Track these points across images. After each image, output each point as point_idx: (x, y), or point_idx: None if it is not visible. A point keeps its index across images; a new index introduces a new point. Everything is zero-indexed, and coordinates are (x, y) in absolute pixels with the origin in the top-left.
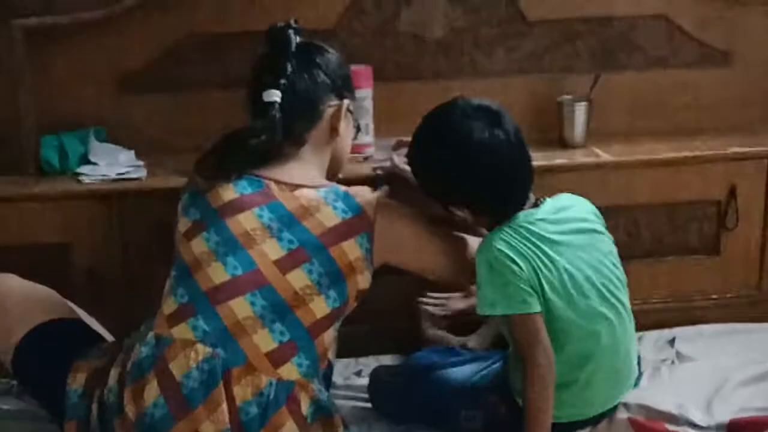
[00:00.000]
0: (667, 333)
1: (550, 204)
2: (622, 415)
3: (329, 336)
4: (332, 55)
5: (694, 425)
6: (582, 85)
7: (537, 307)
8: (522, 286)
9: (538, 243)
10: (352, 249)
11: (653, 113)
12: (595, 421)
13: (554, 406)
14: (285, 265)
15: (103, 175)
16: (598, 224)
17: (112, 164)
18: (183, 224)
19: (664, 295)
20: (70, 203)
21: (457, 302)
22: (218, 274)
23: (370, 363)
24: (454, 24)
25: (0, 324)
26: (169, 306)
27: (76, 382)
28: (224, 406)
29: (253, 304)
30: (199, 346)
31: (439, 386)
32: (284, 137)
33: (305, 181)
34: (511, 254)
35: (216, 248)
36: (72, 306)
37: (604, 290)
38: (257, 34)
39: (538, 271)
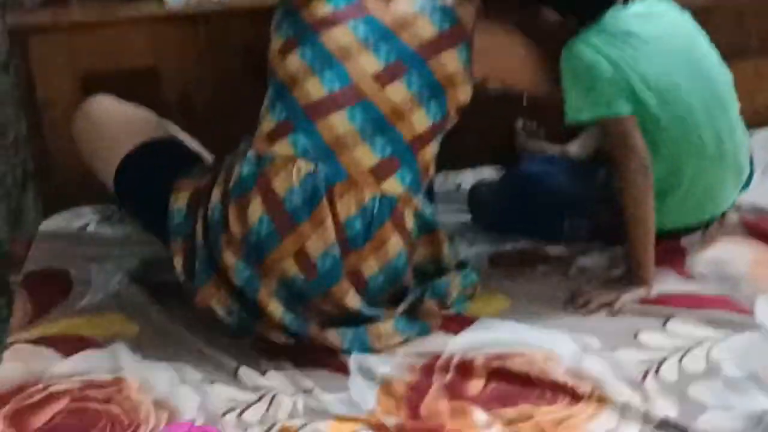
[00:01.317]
0: None
1: (641, 2)
2: (733, 215)
3: (431, 150)
4: None
5: None
6: None
7: (625, 108)
8: (607, 87)
9: (626, 38)
10: (451, 60)
11: None
12: (704, 226)
13: (657, 212)
14: (383, 78)
15: None
16: (695, 25)
17: None
18: (276, 42)
19: None
20: (155, 27)
21: None
22: (315, 88)
23: (467, 176)
24: None
25: (99, 146)
26: (267, 124)
27: (179, 201)
28: (329, 221)
29: (352, 118)
30: (301, 162)
31: (542, 196)
32: None
33: None
34: (594, 55)
35: (312, 63)
36: (170, 125)
37: (705, 89)
38: None
39: (627, 69)
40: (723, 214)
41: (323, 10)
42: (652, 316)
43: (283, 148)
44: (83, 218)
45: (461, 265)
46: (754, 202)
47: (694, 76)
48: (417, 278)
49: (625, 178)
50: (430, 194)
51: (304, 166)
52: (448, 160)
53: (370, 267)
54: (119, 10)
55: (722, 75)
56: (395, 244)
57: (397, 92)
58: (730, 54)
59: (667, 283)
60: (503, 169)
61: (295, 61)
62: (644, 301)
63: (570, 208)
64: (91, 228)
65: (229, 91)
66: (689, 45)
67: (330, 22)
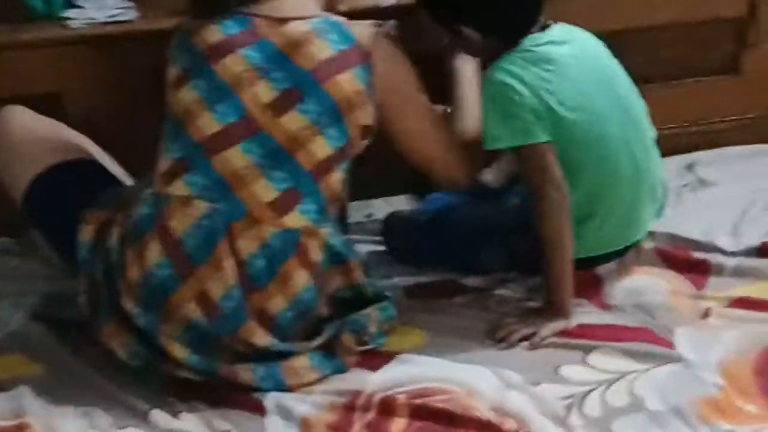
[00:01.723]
0: (687, 157)
1: (558, 29)
2: (647, 244)
3: (337, 177)
4: None
5: (722, 251)
6: None
7: (543, 136)
8: (525, 115)
9: (545, 64)
10: (349, 81)
11: None
12: (619, 254)
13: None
14: (278, 107)
15: (91, 18)
16: (608, 52)
17: (99, 6)
18: (171, 73)
19: (684, 119)
20: (58, 50)
21: None
22: (209, 123)
23: (380, 205)
24: None
25: (10, 159)
26: (164, 162)
27: (85, 234)
28: (229, 261)
29: (249, 151)
30: (197, 202)
31: (457, 226)
32: None
33: (295, 13)
34: (512, 82)
35: (205, 96)
36: (88, 142)
37: (622, 115)
38: None
39: (546, 95)
40: (638, 243)
41: (215, 36)
42: (572, 349)
43: (179, 188)
44: None
45: (380, 298)
46: (667, 230)
47: (612, 102)
48: (335, 306)
49: (542, 206)
50: (342, 222)
51: (201, 207)
52: (359, 189)
53: (277, 304)
54: (21, 33)
55: (637, 102)
56: (301, 278)
57: (294, 121)
58: (641, 79)
59: (585, 315)
60: (417, 199)
61: (188, 95)
62: (564, 332)
63: (486, 237)
64: None
65: (135, 118)
66: (606, 72)
67: (223, 49)
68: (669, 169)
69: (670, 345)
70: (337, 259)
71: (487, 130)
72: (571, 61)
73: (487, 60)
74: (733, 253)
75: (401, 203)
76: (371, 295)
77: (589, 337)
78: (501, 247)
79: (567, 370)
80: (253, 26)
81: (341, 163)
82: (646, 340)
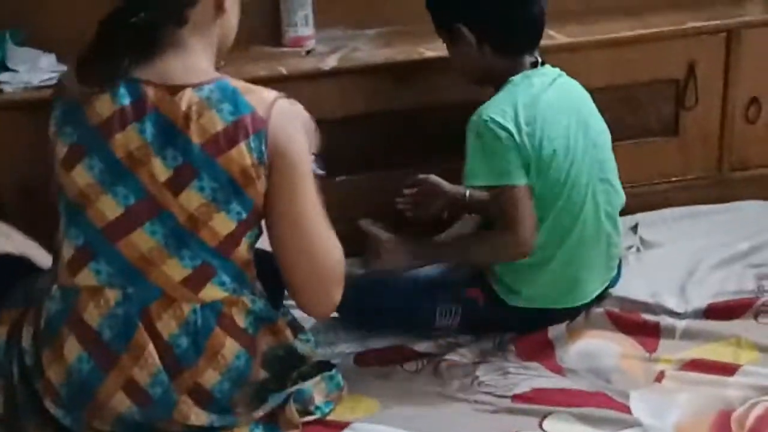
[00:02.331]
0: (629, 219)
1: (549, 69)
2: (597, 308)
3: (245, 247)
4: None
5: (671, 312)
6: None
7: (522, 179)
8: (508, 157)
9: (535, 105)
10: (241, 155)
11: None
12: (571, 314)
13: (530, 285)
14: (174, 186)
15: (26, 83)
16: (593, 106)
17: (32, 70)
18: (60, 148)
19: (624, 180)
20: None
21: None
22: (110, 207)
23: None
24: None
25: None
26: (67, 250)
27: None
28: (150, 347)
29: (153, 233)
30: (107, 291)
31: (410, 284)
32: (163, 19)
33: (187, 80)
34: (502, 124)
35: (102, 178)
36: (4, 229)
37: (597, 169)
38: None
39: (532, 138)
40: (587, 305)
41: (108, 108)
42: (527, 414)
43: (86, 278)
44: None
45: (326, 367)
46: (616, 293)
47: (586, 151)
48: (269, 367)
49: (496, 243)
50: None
51: (111, 296)
52: None
53: (210, 378)
54: None
55: (610, 159)
56: (230, 347)
57: (191, 199)
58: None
59: (540, 378)
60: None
61: (82, 176)
62: (520, 397)
63: (441, 293)
64: None
65: None
66: (586, 119)
67: (116, 123)
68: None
69: (626, 409)
70: (263, 322)
71: (469, 166)
72: (560, 106)
73: (482, 80)
74: (681, 315)
75: (352, 266)
76: (304, 353)
77: (545, 401)
78: (457, 302)
79: None
80: (143, 95)
81: (249, 232)
82: (603, 405)
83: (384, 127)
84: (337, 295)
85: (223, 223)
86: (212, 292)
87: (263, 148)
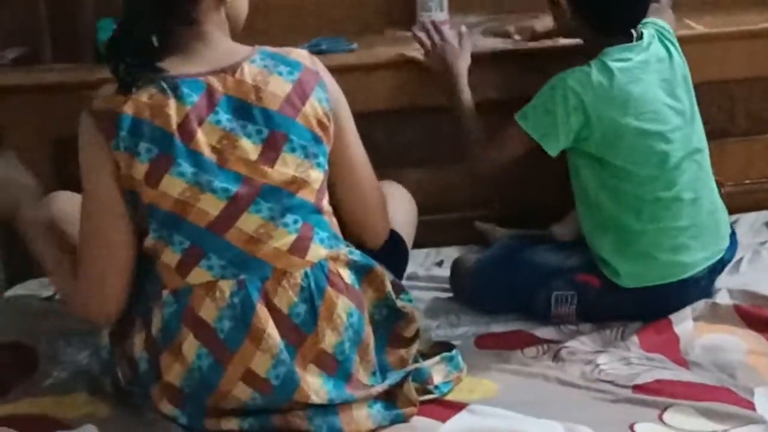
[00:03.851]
0: (764, 215)
1: (646, 38)
2: (726, 301)
3: (327, 198)
4: None
5: None
6: None
7: (553, 147)
8: (560, 125)
9: (619, 83)
10: (314, 108)
11: None
12: (687, 292)
13: (632, 258)
14: (268, 158)
15: None
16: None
17: None
18: (137, 170)
19: (760, 175)
20: None
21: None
22: (212, 205)
23: (451, 253)
24: None
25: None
26: (170, 258)
27: (103, 338)
28: (269, 328)
29: (258, 211)
30: (222, 283)
31: (527, 269)
32: (174, 23)
33: (233, 58)
34: (573, 97)
35: (196, 179)
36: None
37: (687, 141)
38: None
39: (591, 128)
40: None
41: (179, 112)
42: (648, 405)
43: (198, 276)
44: (49, 288)
45: (446, 348)
46: (745, 287)
47: (679, 118)
48: (376, 331)
49: (476, 149)
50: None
51: (226, 287)
52: (430, 239)
53: (331, 341)
54: (99, 73)
55: (698, 118)
56: (343, 306)
57: (287, 163)
58: (719, 133)
59: (662, 370)
60: (484, 246)
61: (176, 184)
62: (641, 388)
63: (557, 280)
64: (57, 299)
65: None
66: (674, 90)
67: (192, 124)
68: (746, 225)
69: (750, 405)
70: (363, 271)
71: (528, 106)
72: (646, 71)
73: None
74: None
75: (471, 251)
76: (406, 312)
77: (666, 394)
78: (573, 289)
79: (642, 428)
80: (209, 86)
81: (326, 183)
82: (726, 400)
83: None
84: (386, 228)
85: (316, 176)
86: (316, 251)
87: (327, 95)
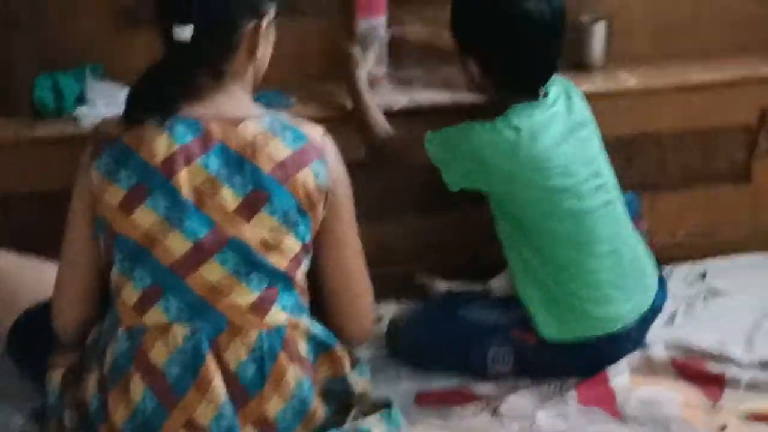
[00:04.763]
0: (698, 266)
1: (552, 95)
2: (661, 354)
3: (303, 268)
4: None
5: (736, 363)
6: (601, 4)
7: (441, 166)
8: (456, 166)
9: (515, 155)
10: (306, 179)
11: (676, 34)
12: (621, 344)
13: (558, 312)
14: (246, 211)
15: (103, 116)
16: (590, 117)
17: (111, 104)
18: (114, 194)
19: (694, 227)
20: (69, 147)
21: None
22: (179, 244)
23: (390, 308)
24: None
25: None
26: (130, 294)
27: (53, 379)
28: (216, 381)
29: (224, 262)
30: (176, 327)
31: (463, 326)
32: (204, 73)
33: (242, 114)
34: (476, 155)
35: (168, 215)
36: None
37: (596, 180)
38: None
39: (493, 184)
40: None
41: (168, 148)
42: None
43: (154, 317)
44: None
45: (385, 405)
46: (680, 340)
47: (588, 170)
48: (326, 402)
49: (383, 139)
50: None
51: (180, 332)
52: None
53: (275, 406)
54: (32, 130)
55: (608, 167)
56: (293, 373)
57: (264, 222)
58: (652, 186)
59: (599, 423)
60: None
61: (145, 217)
62: None
63: (494, 336)
64: None
65: None
66: (585, 145)
67: (179, 161)
68: (680, 277)
69: None
70: (322, 347)
71: (438, 133)
72: (551, 126)
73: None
74: (747, 366)
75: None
76: (357, 390)
77: None
78: (509, 344)
79: None
80: (207, 131)
81: (306, 256)
82: None
83: None
84: (371, 321)
85: (292, 244)
86: (276, 316)
87: (326, 173)
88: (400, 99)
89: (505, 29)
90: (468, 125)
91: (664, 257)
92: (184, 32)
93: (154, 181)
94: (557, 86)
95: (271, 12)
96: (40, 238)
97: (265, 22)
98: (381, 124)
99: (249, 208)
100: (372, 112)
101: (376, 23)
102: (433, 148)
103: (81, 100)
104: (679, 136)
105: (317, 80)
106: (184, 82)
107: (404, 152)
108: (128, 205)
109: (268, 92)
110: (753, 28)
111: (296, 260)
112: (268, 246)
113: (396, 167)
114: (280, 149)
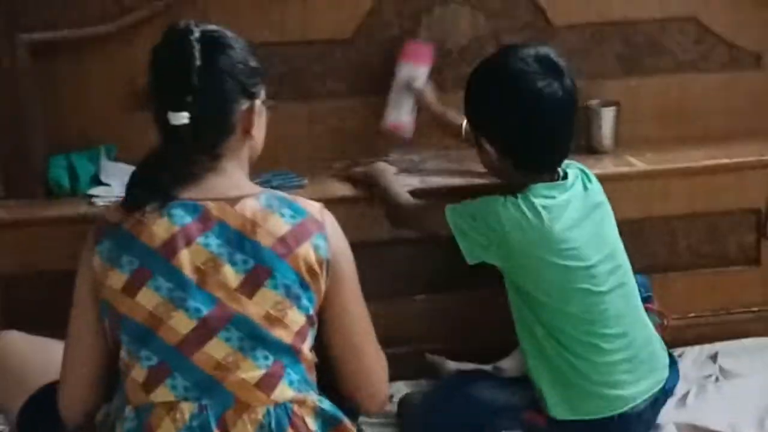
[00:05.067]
0: (708, 348)
1: (571, 177)
2: None
3: (309, 343)
4: (235, 50)
5: None
6: (610, 90)
7: (459, 237)
8: (476, 237)
9: (533, 235)
10: (307, 253)
11: (683, 118)
12: (633, 424)
13: (569, 394)
14: (248, 288)
15: (117, 196)
16: (605, 200)
17: (125, 184)
18: (116, 279)
19: (704, 309)
20: (83, 227)
21: None
22: (183, 323)
23: (400, 387)
24: (477, 32)
25: (2, 386)
26: (137, 373)
27: None
28: None
29: (228, 339)
30: (183, 405)
31: (474, 407)
32: (201, 156)
33: (240, 192)
34: (498, 229)
35: (170, 295)
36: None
37: (611, 265)
38: (271, 46)
39: (512, 261)
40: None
41: (167, 230)
42: None
43: (161, 395)
44: None
45: None
46: (692, 422)
47: (602, 255)
48: None
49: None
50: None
51: (186, 409)
52: None
53: None
54: (46, 210)
55: (622, 253)
56: None
57: (266, 297)
58: (662, 268)
59: None
60: (433, 382)
61: (149, 299)
62: None
63: (504, 417)
64: None
65: None
66: (600, 226)
67: (179, 243)
68: (691, 359)
69: None
70: (330, 422)
71: (461, 204)
72: (568, 209)
73: (505, 189)
74: None
75: (422, 386)
76: None
77: None
78: (519, 427)
79: None
80: (206, 211)
81: (311, 329)
82: None
83: None
84: (383, 391)
85: (296, 318)
86: (283, 392)
87: (327, 246)
88: (412, 181)
89: (521, 109)
90: (493, 197)
91: (676, 339)
92: (180, 119)
93: (156, 263)
94: (573, 168)
95: (263, 92)
96: (53, 317)
97: (258, 102)
98: (403, 194)
99: (251, 284)
100: (396, 186)
101: (417, 72)
102: (455, 216)
103: (95, 180)
104: (688, 218)
105: (330, 160)
106: (182, 166)
107: (425, 216)
108: (131, 288)
109: (280, 172)
110: (759, 113)
111: (301, 333)
112: (272, 320)
113: (411, 243)
114: (279, 225)
